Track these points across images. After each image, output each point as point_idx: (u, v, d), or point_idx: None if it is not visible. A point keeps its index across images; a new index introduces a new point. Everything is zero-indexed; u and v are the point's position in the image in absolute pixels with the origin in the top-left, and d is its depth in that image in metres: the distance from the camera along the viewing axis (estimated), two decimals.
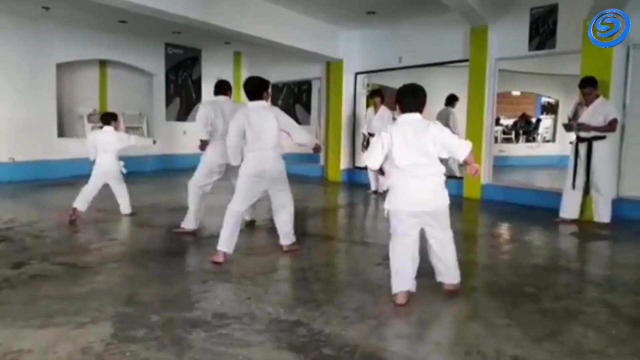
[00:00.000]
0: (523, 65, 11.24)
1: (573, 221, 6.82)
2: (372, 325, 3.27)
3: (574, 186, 6.75)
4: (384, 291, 3.97)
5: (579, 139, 6.69)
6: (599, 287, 4.20)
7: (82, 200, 6.41)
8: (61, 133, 11.53)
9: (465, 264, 4.64)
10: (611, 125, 6.41)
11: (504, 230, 6.78)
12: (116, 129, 6.68)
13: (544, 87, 16.36)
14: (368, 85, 11.58)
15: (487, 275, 4.50)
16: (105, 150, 6.53)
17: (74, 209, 6.34)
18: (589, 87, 6.52)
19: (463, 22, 8.60)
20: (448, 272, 3.89)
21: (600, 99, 6.57)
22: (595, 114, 6.50)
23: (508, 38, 8.44)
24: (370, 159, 3.81)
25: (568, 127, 6.82)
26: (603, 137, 6.52)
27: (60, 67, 11.18)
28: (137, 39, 12.28)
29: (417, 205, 3.71)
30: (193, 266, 4.75)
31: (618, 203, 7.13)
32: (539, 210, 7.63)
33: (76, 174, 8.83)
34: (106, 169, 6.57)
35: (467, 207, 7.92)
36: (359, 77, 11.48)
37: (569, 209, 6.86)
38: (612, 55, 6.93)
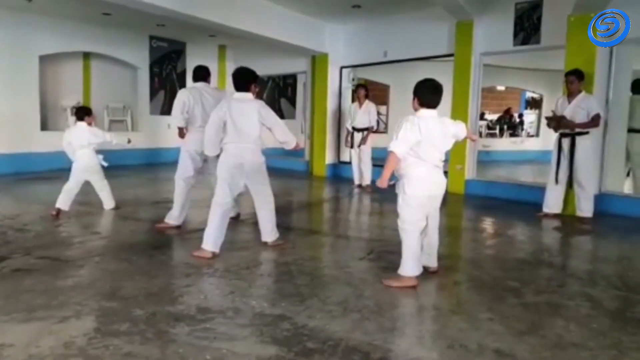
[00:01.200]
0: (508, 60, 11.31)
1: (556, 216, 6.91)
2: (355, 319, 3.29)
3: (556, 181, 6.83)
4: (368, 285, 4.00)
5: (562, 134, 6.76)
6: (580, 281, 4.25)
7: (65, 199, 6.35)
8: (44, 126, 11.39)
9: (448, 258, 4.70)
10: (594, 121, 6.49)
11: (487, 224, 6.83)
12: (90, 124, 6.56)
13: (529, 82, 16.48)
14: (354, 79, 11.58)
15: (470, 270, 4.53)
16: (81, 146, 6.45)
17: (58, 210, 6.30)
18: (572, 76, 6.61)
19: (448, 16, 8.62)
20: (434, 254, 4.27)
21: (583, 94, 6.63)
22: (577, 109, 6.57)
23: (493, 33, 8.48)
24: (399, 147, 3.82)
25: (550, 121, 6.86)
26: (586, 133, 6.60)
27: (43, 59, 11.04)
28: (121, 31, 12.15)
29: (437, 189, 4.07)
30: (177, 260, 4.72)
31: (600, 198, 7.22)
32: (523, 205, 7.70)
33: (59, 167, 8.73)
34: (85, 165, 6.49)
35: (451, 201, 7.96)
36: (344, 71, 11.47)
37: (552, 203, 6.94)
38: (596, 51, 6.99)
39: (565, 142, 6.72)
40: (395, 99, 15.53)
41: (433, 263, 4.28)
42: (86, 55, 13.07)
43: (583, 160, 6.64)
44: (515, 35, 8.20)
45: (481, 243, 5.74)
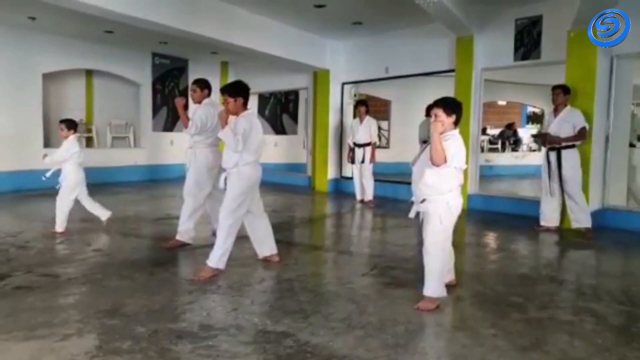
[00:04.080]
0: (508, 75, 11.34)
1: (555, 229, 6.96)
2: (358, 335, 3.27)
3: (550, 193, 6.91)
4: (371, 301, 3.98)
5: (550, 148, 6.86)
6: (584, 296, 4.23)
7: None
8: (47, 143, 11.41)
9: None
10: (581, 134, 6.64)
11: (490, 239, 6.81)
12: (63, 137, 6.42)
13: (529, 97, 16.52)
14: (355, 95, 11.61)
15: (473, 285, 4.51)
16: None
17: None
18: (558, 89, 6.83)
19: (449, 32, 8.66)
20: (452, 268, 4.31)
21: (569, 107, 6.81)
22: (563, 122, 6.74)
23: (493, 48, 8.52)
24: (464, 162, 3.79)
25: (537, 138, 7.01)
26: (572, 146, 6.72)
27: (47, 76, 11.11)
28: (124, 48, 12.24)
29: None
30: (179, 277, 4.71)
31: (603, 212, 7.23)
32: (525, 219, 7.67)
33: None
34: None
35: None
36: (346, 87, 11.52)
37: (549, 216, 7.05)
38: (596, 66, 7.00)
39: (552, 156, 6.83)
40: (397, 114, 15.59)
41: (452, 276, 4.33)
42: (89, 73, 13.18)
43: (571, 173, 6.72)
44: (516, 50, 8.24)
45: (484, 258, 5.72)
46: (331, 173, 11.62)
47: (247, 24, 8.91)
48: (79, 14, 7.10)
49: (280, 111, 16.06)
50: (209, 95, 5.76)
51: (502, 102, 17.76)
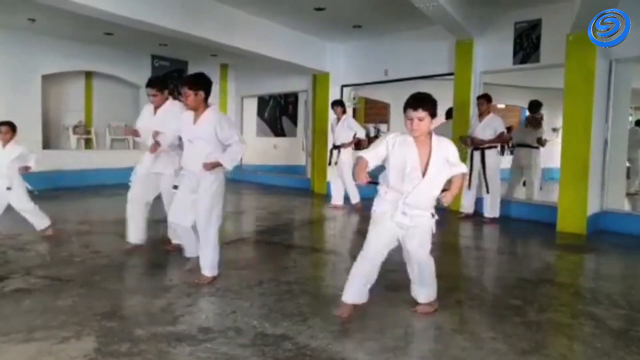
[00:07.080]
0: (508, 78, 11.36)
1: (467, 216, 8.10)
2: (358, 338, 3.27)
3: (469, 187, 7.92)
4: (370, 304, 3.97)
5: (475, 148, 7.87)
6: (583, 300, 4.22)
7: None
8: (46, 145, 11.42)
9: (449, 277, 4.67)
10: (500, 137, 7.86)
11: (487, 242, 6.80)
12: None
13: (529, 100, 16.50)
14: (354, 98, 11.61)
15: (472, 288, 4.50)
16: None
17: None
18: (482, 99, 7.89)
19: (448, 35, 8.67)
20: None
21: (491, 115, 7.83)
22: (487, 127, 7.76)
23: (493, 52, 8.53)
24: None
25: (464, 141, 7.84)
26: (495, 147, 7.88)
27: (46, 78, 11.11)
28: (123, 50, 12.24)
29: None
30: (177, 279, 4.69)
31: (602, 216, 7.25)
32: (524, 222, 7.68)
33: (61, 186, 8.71)
34: None
35: (450, 220, 7.93)
36: (345, 89, 11.51)
37: (467, 204, 8.16)
38: (595, 69, 7.00)
39: (477, 155, 7.86)
40: (396, 117, 15.57)
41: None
42: (88, 75, 13.16)
43: (492, 171, 7.81)
44: (515, 54, 8.25)
45: (482, 261, 5.71)
46: (330, 175, 11.59)
47: (247, 26, 8.92)
48: (79, 16, 7.10)
49: (279, 113, 16.05)
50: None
51: (501, 105, 17.74)
